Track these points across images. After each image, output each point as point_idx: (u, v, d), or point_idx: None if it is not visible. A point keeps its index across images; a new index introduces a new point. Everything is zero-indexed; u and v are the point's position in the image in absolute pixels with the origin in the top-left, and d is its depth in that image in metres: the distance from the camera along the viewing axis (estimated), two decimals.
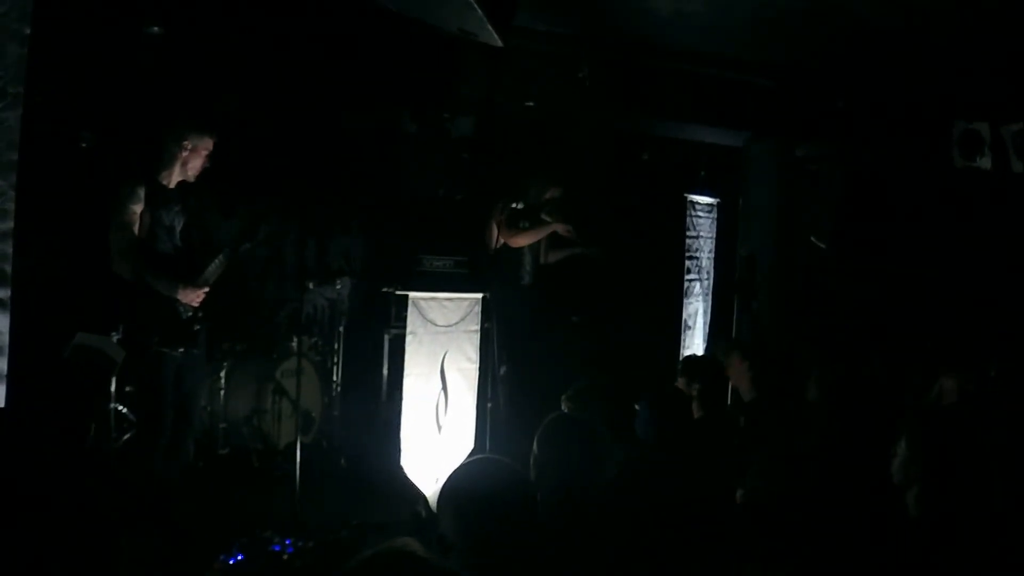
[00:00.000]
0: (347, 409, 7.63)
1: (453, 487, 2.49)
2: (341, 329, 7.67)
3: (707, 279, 9.72)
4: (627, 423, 4.27)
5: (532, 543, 2.42)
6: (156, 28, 5.60)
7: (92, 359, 5.38)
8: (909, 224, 9.09)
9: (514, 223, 7.04)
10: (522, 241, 7.17)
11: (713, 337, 9.56)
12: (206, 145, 5.39)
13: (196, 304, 5.36)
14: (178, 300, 5.30)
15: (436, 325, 6.25)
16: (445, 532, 2.38)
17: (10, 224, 4.19)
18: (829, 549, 2.92)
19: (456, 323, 6.38)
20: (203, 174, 5.46)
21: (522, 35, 6.31)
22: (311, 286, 7.58)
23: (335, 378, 7.64)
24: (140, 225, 5.26)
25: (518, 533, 2.40)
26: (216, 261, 5.46)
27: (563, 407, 4.19)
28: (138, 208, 5.24)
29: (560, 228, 7.26)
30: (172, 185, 5.41)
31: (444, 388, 6.34)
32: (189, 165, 5.39)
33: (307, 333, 7.63)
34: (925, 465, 2.86)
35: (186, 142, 5.33)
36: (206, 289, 5.40)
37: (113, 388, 6.16)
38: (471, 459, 2.59)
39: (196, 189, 5.51)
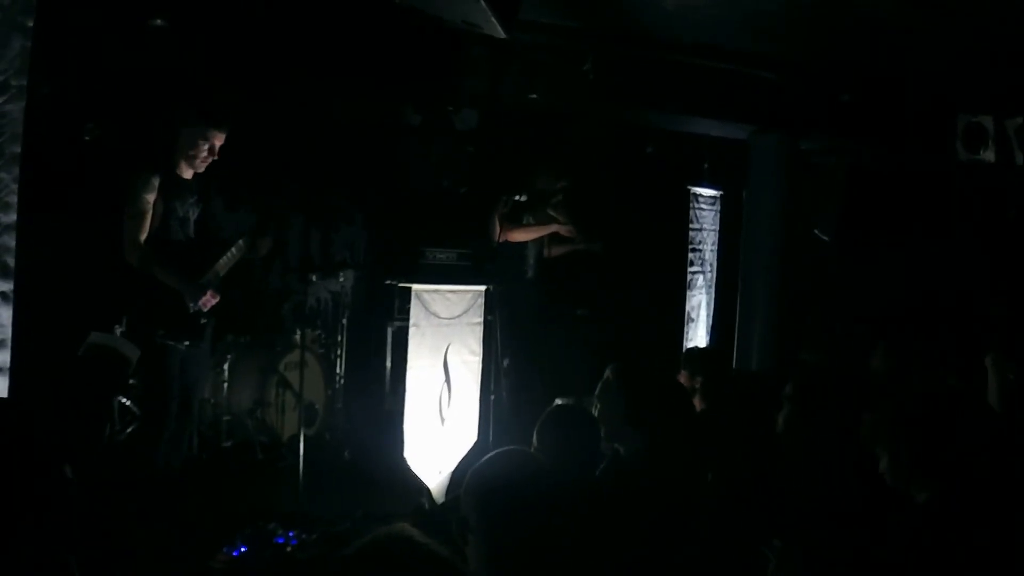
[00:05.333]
0: (350, 401, 7.65)
1: (479, 477, 2.49)
2: (344, 321, 7.67)
3: (710, 272, 9.72)
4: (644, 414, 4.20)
5: (554, 532, 2.43)
6: (160, 20, 5.60)
7: (107, 358, 5.33)
8: (913, 217, 9.08)
9: (517, 218, 7.05)
10: (523, 238, 7.18)
11: (716, 329, 9.57)
12: (220, 138, 5.38)
13: (207, 308, 5.34)
14: None
15: (439, 317, 6.26)
16: (467, 516, 2.39)
17: (13, 217, 4.19)
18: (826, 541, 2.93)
19: (459, 315, 6.40)
20: (211, 166, 5.46)
21: (526, 28, 6.29)
22: (315, 278, 7.59)
23: (338, 370, 7.65)
24: (153, 215, 5.26)
25: (541, 521, 2.40)
26: (230, 252, 5.44)
27: (607, 373, 4.13)
28: (151, 197, 5.23)
29: (562, 229, 7.28)
30: (189, 176, 5.40)
31: (447, 380, 6.36)
32: (201, 158, 5.36)
33: (311, 325, 7.64)
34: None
35: (212, 138, 5.31)
36: (216, 297, 5.36)
37: None
38: (497, 451, 2.60)
39: (206, 181, 5.51)
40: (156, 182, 5.24)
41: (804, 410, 3.91)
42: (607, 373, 4.15)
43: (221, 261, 5.41)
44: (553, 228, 7.30)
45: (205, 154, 5.35)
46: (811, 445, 3.74)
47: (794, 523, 3.15)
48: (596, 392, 4.09)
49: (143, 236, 5.21)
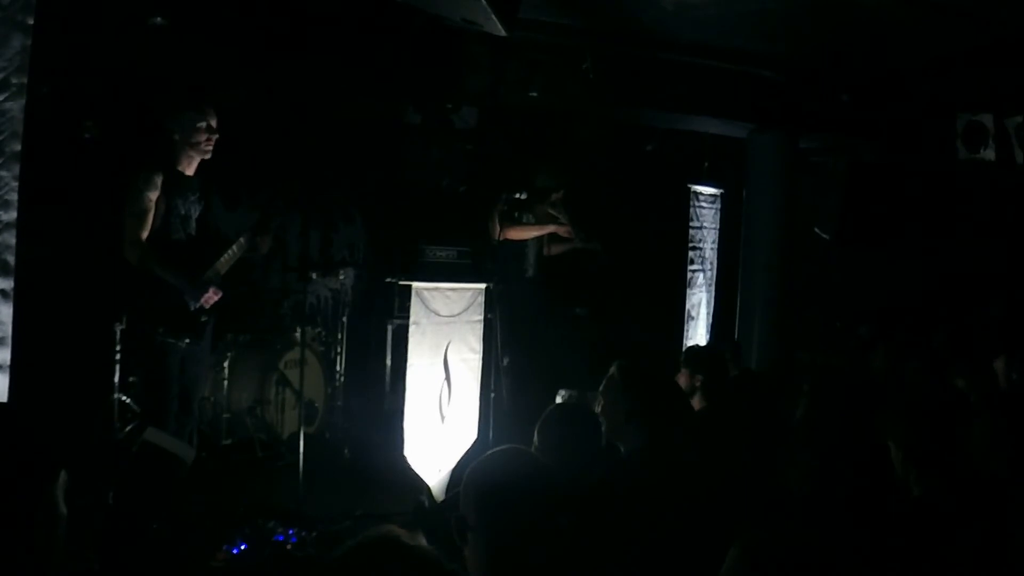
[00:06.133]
0: (350, 399, 7.64)
1: (478, 475, 2.49)
2: (344, 319, 7.67)
3: (710, 270, 9.72)
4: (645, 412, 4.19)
5: (553, 531, 2.43)
6: (160, 19, 5.60)
7: (161, 461, 5.20)
8: (912, 215, 9.09)
9: (516, 216, 7.06)
10: (522, 236, 7.19)
11: (716, 327, 9.57)
12: (213, 115, 5.35)
13: (208, 306, 5.34)
14: None
15: (439, 315, 6.25)
16: (466, 515, 2.39)
17: (13, 215, 4.20)
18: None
19: (459, 313, 6.39)
20: (211, 165, 5.45)
21: (526, 26, 6.30)
22: (315, 277, 7.59)
23: (338, 368, 7.64)
24: (156, 213, 5.24)
25: (540, 520, 2.40)
26: (230, 250, 5.43)
27: (612, 370, 4.13)
28: (154, 196, 5.21)
29: (560, 229, 7.29)
30: (191, 172, 5.38)
31: (447, 378, 6.35)
32: (204, 140, 5.33)
33: (311, 323, 7.64)
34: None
35: (206, 117, 5.29)
36: (219, 294, 5.35)
37: (117, 378, 6.18)
38: (495, 449, 2.61)
39: (207, 178, 5.50)
40: (159, 180, 5.22)
41: (821, 408, 3.92)
42: (612, 370, 4.15)
43: (222, 259, 5.40)
44: (552, 228, 7.31)
45: (206, 136, 5.32)
46: (825, 443, 3.74)
47: (796, 521, 3.15)
48: (600, 388, 4.09)
49: (144, 234, 5.20)
